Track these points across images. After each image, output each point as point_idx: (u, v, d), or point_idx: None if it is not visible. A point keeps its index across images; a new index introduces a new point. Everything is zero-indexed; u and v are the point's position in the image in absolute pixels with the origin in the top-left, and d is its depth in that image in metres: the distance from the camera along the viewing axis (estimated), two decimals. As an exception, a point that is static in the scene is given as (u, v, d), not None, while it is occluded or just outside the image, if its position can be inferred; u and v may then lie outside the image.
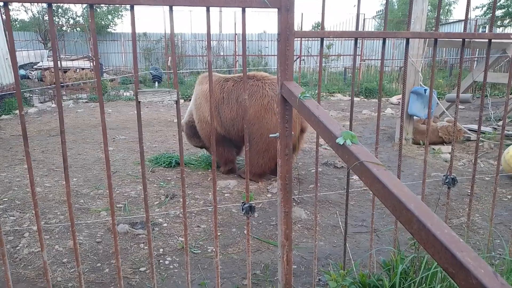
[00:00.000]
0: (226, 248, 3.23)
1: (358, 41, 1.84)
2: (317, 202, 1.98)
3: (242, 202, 1.73)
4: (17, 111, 10.48)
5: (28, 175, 4.52)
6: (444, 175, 1.95)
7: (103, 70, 15.85)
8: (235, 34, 16.13)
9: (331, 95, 14.71)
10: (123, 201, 4.12)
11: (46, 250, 3.02)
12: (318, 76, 1.89)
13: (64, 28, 21.77)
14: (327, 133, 1.27)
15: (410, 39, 1.93)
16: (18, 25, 25.97)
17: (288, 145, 1.72)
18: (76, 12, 23.83)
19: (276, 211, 3.98)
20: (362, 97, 14.33)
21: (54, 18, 22.37)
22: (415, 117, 7.28)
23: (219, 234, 3.47)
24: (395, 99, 13.30)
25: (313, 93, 14.50)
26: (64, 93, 13.19)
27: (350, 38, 21.28)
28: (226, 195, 4.38)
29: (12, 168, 5.22)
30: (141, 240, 3.31)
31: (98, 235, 3.36)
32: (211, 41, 22.07)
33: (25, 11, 26.45)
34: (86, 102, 12.54)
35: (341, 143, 1.19)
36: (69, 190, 1.56)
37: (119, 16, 23.69)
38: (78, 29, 21.99)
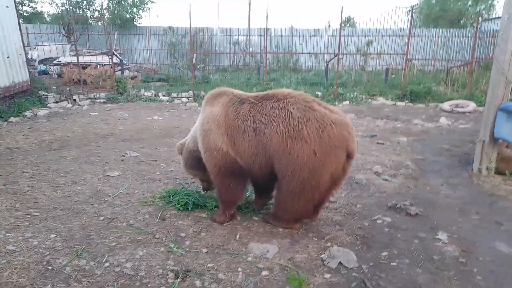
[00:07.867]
0: None
1: None
2: None
3: None
4: (27, 113, 9.42)
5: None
6: None
7: (124, 67, 14.72)
8: (266, 28, 14.58)
9: (371, 98, 12.96)
10: (111, 282, 2.77)
11: None
12: None
13: (88, 21, 20.85)
14: None
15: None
16: (46, 19, 25.28)
17: None
18: (102, 3, 22.94)
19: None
20: (407, 101, 12.44)
21: (79, 10, 21.54)
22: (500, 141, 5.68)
23: None
24: (447, 105, 11.46)
25: (352, 95, 12.82)
26: (82, 91, 12.10)
27: (390, 35, 19.36)
28: (263, 273, 2.95)
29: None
30: None
31: None
32: (239, 36, 20.26)
33: (49, 3, 25.85)
34: (103, 102, 11.42)
35: None
36: None
37: (144, 9, 22.62)
38: (100, 23, 21.01)
